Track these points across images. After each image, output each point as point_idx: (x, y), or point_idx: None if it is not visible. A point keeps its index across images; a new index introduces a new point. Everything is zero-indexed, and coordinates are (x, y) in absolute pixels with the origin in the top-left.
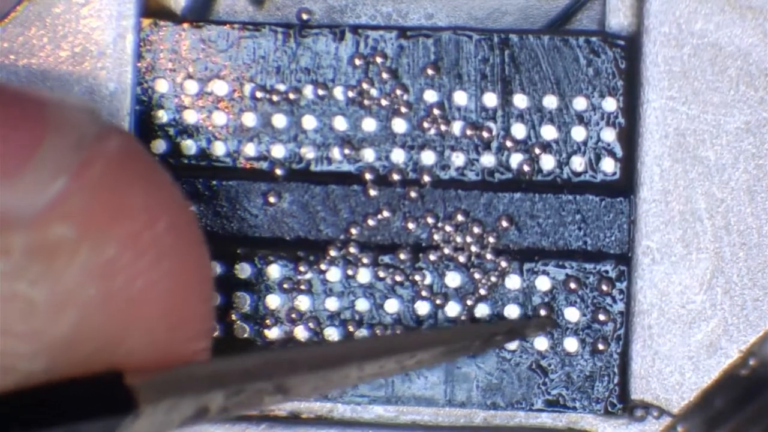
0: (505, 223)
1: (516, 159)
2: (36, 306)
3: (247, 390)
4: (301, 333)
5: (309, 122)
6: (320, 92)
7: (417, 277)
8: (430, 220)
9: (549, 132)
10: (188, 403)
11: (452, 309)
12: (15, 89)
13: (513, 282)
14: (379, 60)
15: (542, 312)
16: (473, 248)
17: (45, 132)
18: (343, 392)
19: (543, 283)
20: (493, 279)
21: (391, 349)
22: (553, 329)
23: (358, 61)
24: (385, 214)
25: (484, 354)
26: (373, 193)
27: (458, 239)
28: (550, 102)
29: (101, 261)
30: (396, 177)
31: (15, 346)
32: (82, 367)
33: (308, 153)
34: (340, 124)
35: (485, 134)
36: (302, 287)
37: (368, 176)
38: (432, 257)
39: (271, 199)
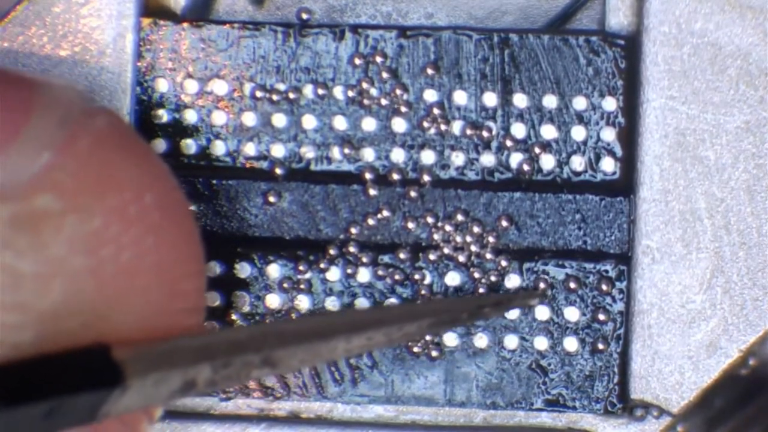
0: (504, 223)
1: (516, 158)
2: (23, 277)
3: (234, 363)
4: None
5: (309, 122)
6: (320, 92)
7: (417, 277)
8: (429, 220)
9: (549, 131)
10: (176, 376)
11: None
12: (2, 70)
13: (513, 281)
14: (378, 59)
15: (545, 308)
16: (473, 248)
17: (32, 110)
18: (343, 392)
19: (543, 283)
20: (493, 278)
21: (378, 321)
22: (542, 301)
23: (357, 61)
24: (385, 213)
25: (471, 324)
26: (373, 192)
27: (458, 239)
28: (550, 101)
29: (88, 232)
30: (396, 176)
31: (2, 318)
32: (71, 339)
33: (308, 152)
34: (340, 123)
35: (485, 134)
36: (302, 287)
37: (368, 176)
38: (432, 257)
39: (271, 199)
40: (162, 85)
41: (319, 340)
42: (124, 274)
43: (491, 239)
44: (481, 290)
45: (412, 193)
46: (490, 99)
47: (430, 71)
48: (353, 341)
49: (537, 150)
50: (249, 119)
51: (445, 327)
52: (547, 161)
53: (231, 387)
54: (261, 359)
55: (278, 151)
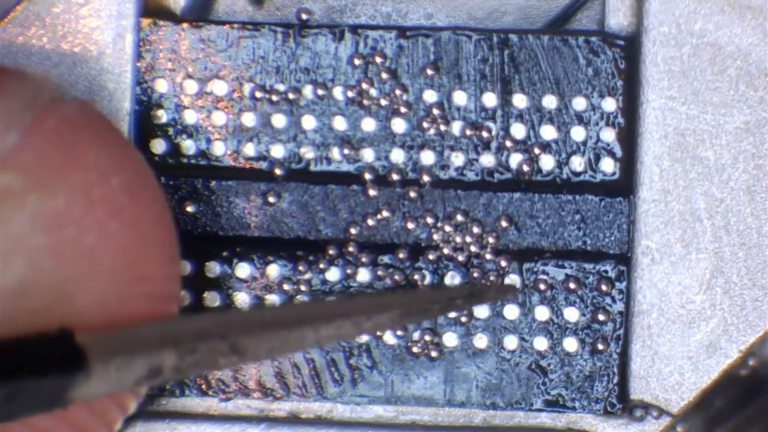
0: (504, 223)
1: (515, 159)
2: None
3: (200, 349)
4: None
5: (308, 122)
6: (320, 92)
7: (416, 277)
8: (429, 220)
9: (548, 132)
10: (140, 362)
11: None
12: None
13: (512, 282)
14: (378, 60)
15: (544, 309)
16: (473, 248)
17: None
18: (342, 392)
19: (542, 283)
20: (493, 279)
21: (348, 311)
22: (515, 297)
23: (357, 61)
24: (385, 214)
25: (443, 316)
26: (372, 193)
27: (458, 239)
28: (550, 102)
29: (50, 211)
30: (395, 177)
31: None
32: (32, 320)
33: (308, 153)
34: (340, 124)
35: (485, 134)
36: (302, 287)
37: (368, 176)
38: (431, 257)
39: (271, 199)
40: (162, 86)
41: (287, 328)
42: (87, 256)
43: (491, 240)
44: None
45: (412, 194)
46: (490, 99)
47: (429, 71)
48: (322, 331)
49: (537, 150)
50: (249, 120)
51: (416, 318)
52: (547, 162)
53: (198, 375)
54: (228, 346)
55: (278, 151)
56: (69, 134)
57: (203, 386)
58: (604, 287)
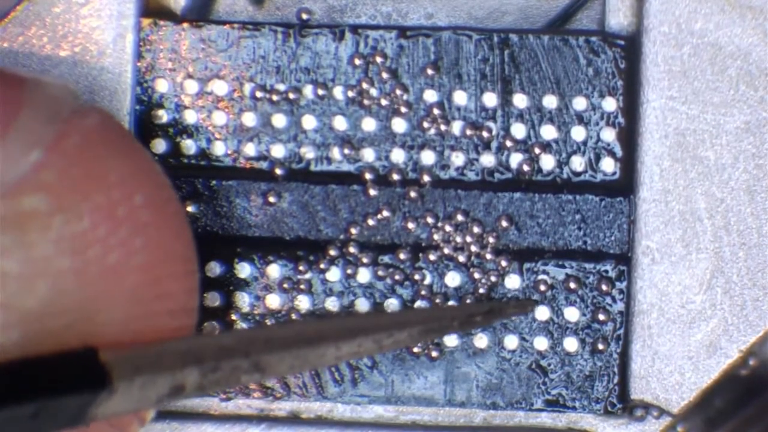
0: (504, 223)
1: (516, 159)
2: (8, 276)
3: (223, 367)
4: None
5: (309, 122)
6: (320, 92)
7: (417, 277)
8: (429, 220)
9: (549, 132)
10: (163, 379)
11: None
12: None
13: (513, 282)
14: (378, 60)
15: (545, 309)
16: (473, 248)
17: (21, 108)
18: (343, 392)
19: (543, 283)
20: (493, 279)
21: (368, 328)
22: (532, 310)
23: (357, 61)
24: (385, 213)
25: (462, 333)
26: (373, 192)
27: (458, 239)
28: (550, 102)
29: (75, 233)
30: (396, 177)
31: None
32: (56, 340)
33: (308, 153)
34: (340, 123)
35: (485, 134)
36: (302, 287)
37: (368, 176)
38: (432, 257)
39: (271, 199)
40: (162, 85)
41: (308, 346)
42: (110, 275)
43: (491, 239)
44: (481, 290)
45: (412, 194)
46: (490, 99)
47: (430, 71)
48: (343, 348)
49: (537, 150)
50: (249, 119)
51: (436, 335)
52: (547, 161)
53: (220, 392)
54: (250, 364)
55: (278, 151)
56: (91, 150)
57: None
58: (604, 287)
